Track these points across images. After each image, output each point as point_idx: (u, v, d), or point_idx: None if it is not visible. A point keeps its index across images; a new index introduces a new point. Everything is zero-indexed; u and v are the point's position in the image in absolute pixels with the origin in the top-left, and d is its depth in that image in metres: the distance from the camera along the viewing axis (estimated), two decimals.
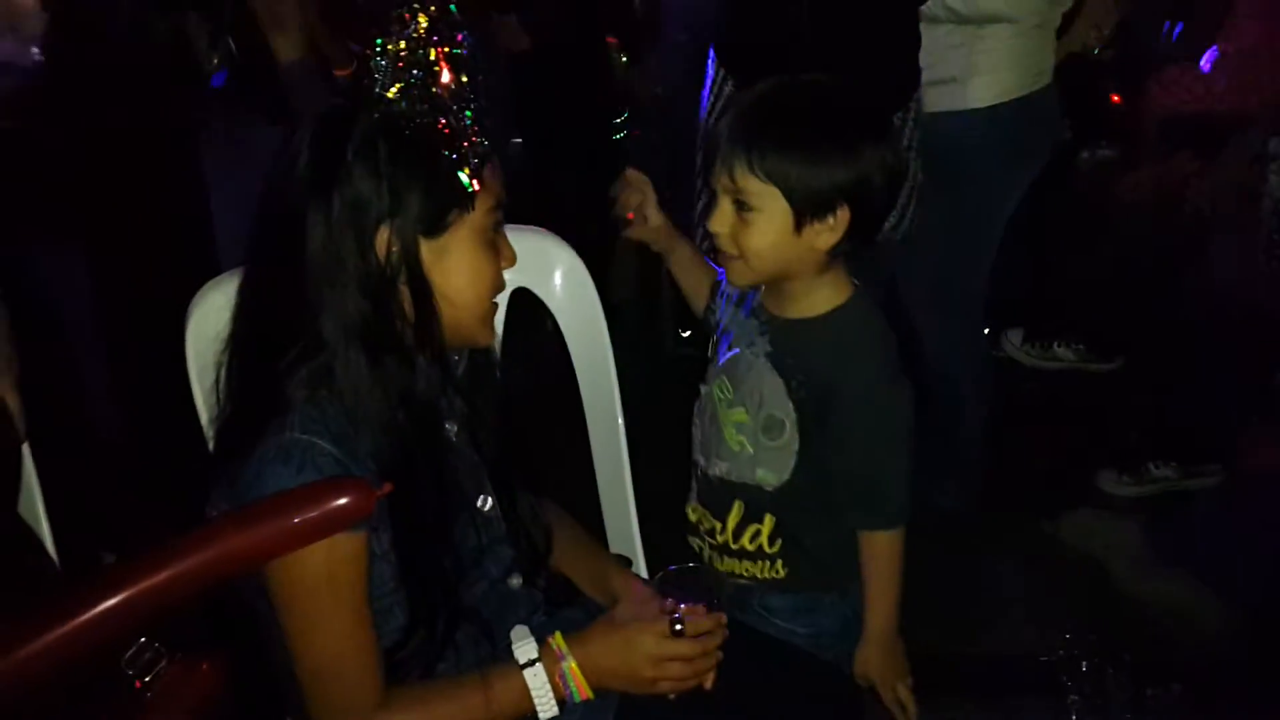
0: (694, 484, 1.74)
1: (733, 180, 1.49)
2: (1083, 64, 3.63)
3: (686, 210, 2.25)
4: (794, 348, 1.57)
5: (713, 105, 2.34)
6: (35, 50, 1.99)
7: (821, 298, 1.57)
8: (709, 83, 2.34)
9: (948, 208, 2.28)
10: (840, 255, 1.55)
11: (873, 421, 1.55)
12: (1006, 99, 2.37)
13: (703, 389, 1.72)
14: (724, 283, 1.71)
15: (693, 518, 1.74)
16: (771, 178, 1.47)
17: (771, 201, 1.48)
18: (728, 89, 2.27)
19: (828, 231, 1.50)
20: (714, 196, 1.55)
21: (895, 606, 1.61)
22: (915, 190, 2.19)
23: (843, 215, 1.49)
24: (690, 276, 1.79)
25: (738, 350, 1.64)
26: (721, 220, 1.52)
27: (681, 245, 1.77)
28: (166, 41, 2.04)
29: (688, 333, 3.64)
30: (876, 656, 1.61)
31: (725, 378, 1.65)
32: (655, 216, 1.72)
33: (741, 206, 1.50)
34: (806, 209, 1.48)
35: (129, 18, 1.98)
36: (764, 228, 1.49)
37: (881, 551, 1.59)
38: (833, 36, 2.00)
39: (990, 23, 2.33)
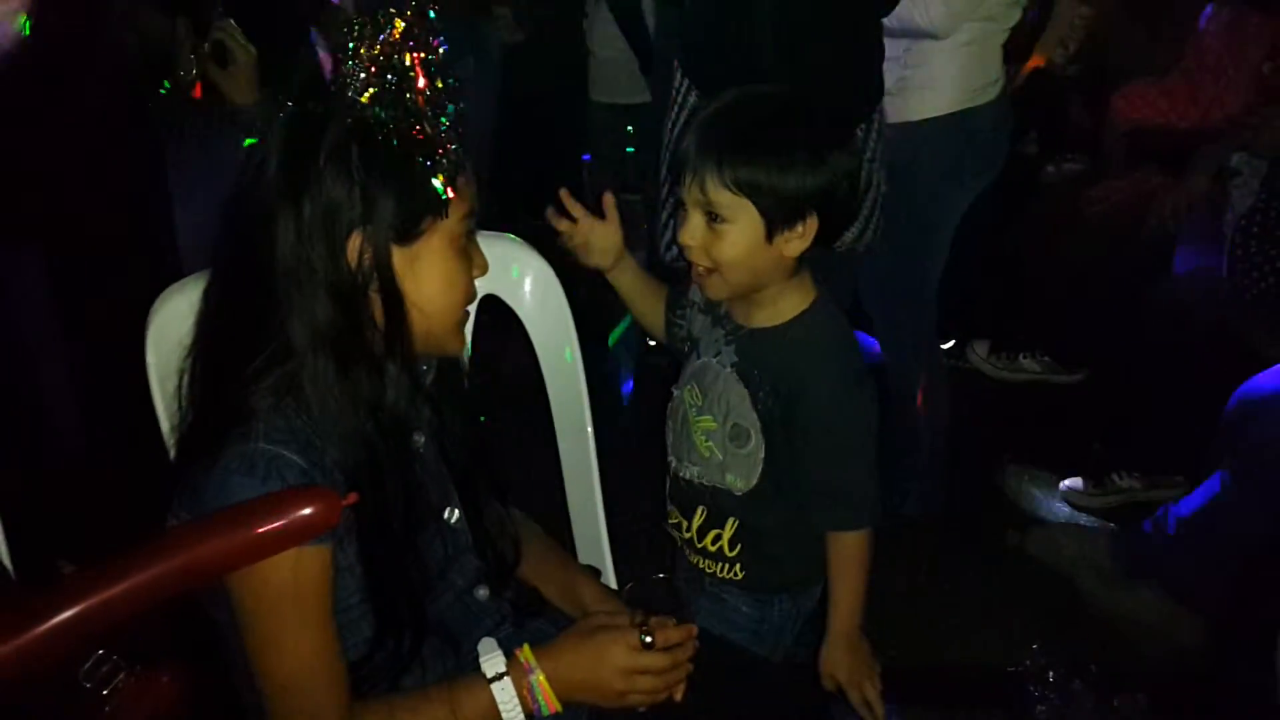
0: (668, 481, 1.77)
1: (703, 193, 1.50)
2: (1049, 78, 3.67)
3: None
4: (759, 357, 1.59)
5: (675, 115, 2.34)
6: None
7: (787, 305, 1.59)
8: (672, 91, 2.34)
9: (893, 216, 2.29)
10: (805, 262, 1.57)
11: (839, 423, 1.56)
12: (939, 114, 2.40)
13: (675, 392, 1.74)
14: (691, 292, 1.72)
15: (668, 509, 1.78)
16: (742, 188, 1.48)
17: (742, 212, 1.49)
18: (691, 99, 2.26)
19: (797, 239, 1.52)
20: (682, 209, 1.55)
21: (860, 606, 1.62)
22: (879, 201, 2.20)
23: (811, 222, 1.51)
24: (638, 289, 1.78)
25: (706, 358, 1.66)
26: (692, 233, 1.53)
27: (625, 257, 1.74)
28: (154, 41, 2.01)
29: (655, 343, 3.64)
30: (843, 656, 1.61)
31: (695, 384, 1.68)
32: (607, 233, 1.68)
33: (713, 218, 1.51)
34: (777, 218, 1.50)
35: (123, 12, 1.95)
36: (735, 239, 1.51)
37: (850, 552, 1.60)
38: (796, 46, 2.00)
39: (921, 38, 2.35)
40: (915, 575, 2.59)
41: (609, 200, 1.69)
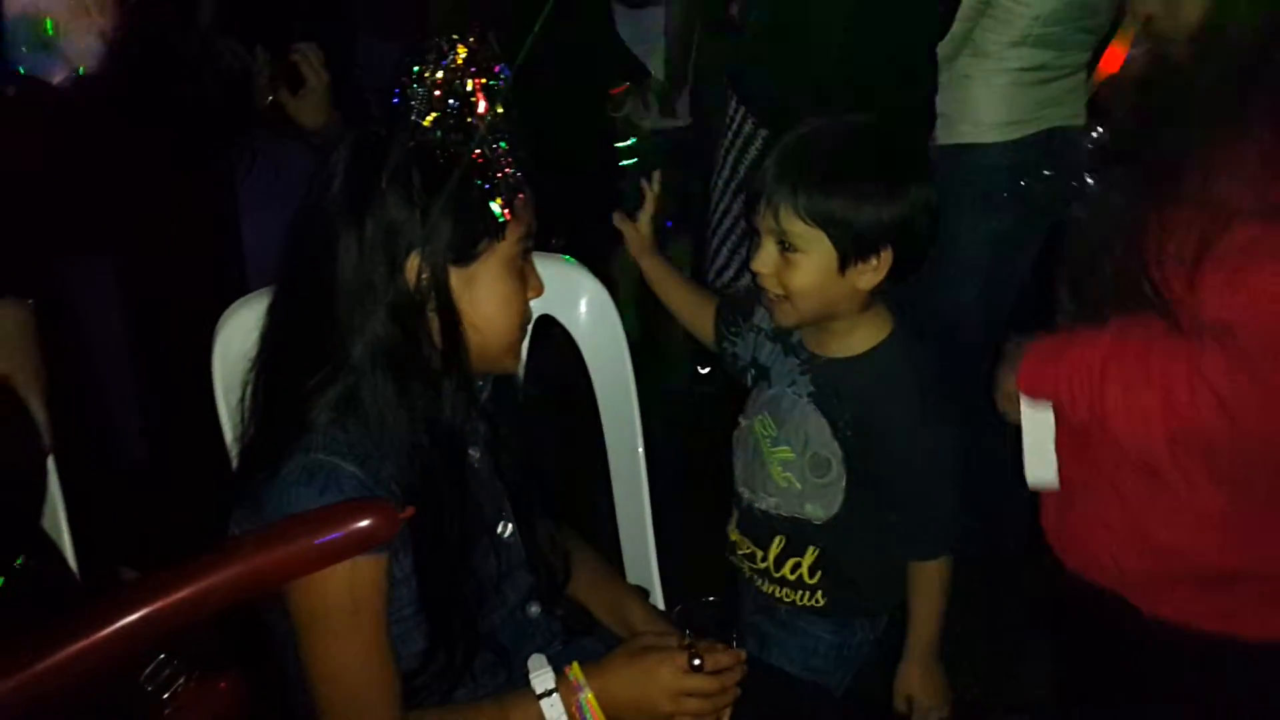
0: (735, 511, 1.76)
1: (777, 222, 1.50)
2: None
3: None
4: (836, 387, 1.58)
5: (730, 141, 2.34)
6: (63, 66, 2.03)
7: (862, 336, 1.58)
8: (726, 119, 2.34)
9: None
10: (881, 294, 1.56)
11: (919, 457, 1.55)
12: (962, 141, 2.37)
13: (743, 421, 1.72)
14: (755, 315, 1.72)
15: (733, 537, 1.76)
16: (816, 220, 1.48)
17: (816, 243, 1.49)
18: (747, 126, 2.26)
19: (871, 272, 1.51)
20: (756, 236, 1.55)
21: (939, 630, 1.62)
22: None
23: (886, 256, 1.50)
24: (680, 296, 1.80)
25: (779, 389, 1.65)
26: (765, 261, 1.53)
27: (657, 256, 1.78)
28: (232, 68, 2.07)
29: (707, 369, 3.64)
30: (918, 675, 1.62)
31: (768, 415, 1.66)
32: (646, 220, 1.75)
33: (785, 247, 1.51)
34: (851, 250, 1.49)
35: (204, 37, 2.01)
36: (808, 268, 1.50)
37: (930, 580, 1.61)
38: (860, 74, 2.01)
39: (950, 63, 2.32)
40: (967, 610, 2.55)
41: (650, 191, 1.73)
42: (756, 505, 1.69)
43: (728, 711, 1.35)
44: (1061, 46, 2.35)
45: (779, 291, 1.53)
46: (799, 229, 1.48)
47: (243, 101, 2.08)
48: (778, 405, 1.64)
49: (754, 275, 1.57)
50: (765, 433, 1.66)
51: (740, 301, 1.76)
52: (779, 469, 1.64)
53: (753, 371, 1.73)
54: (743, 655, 1.37)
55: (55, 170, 1.78)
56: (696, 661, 1.32)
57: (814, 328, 1.60)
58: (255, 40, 2.11)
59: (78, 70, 1.92)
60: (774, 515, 1.67)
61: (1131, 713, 1.50)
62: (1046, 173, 2.38)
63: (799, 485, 1.62)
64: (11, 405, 1.40)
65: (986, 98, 2.37)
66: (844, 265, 1.49)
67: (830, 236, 1.48)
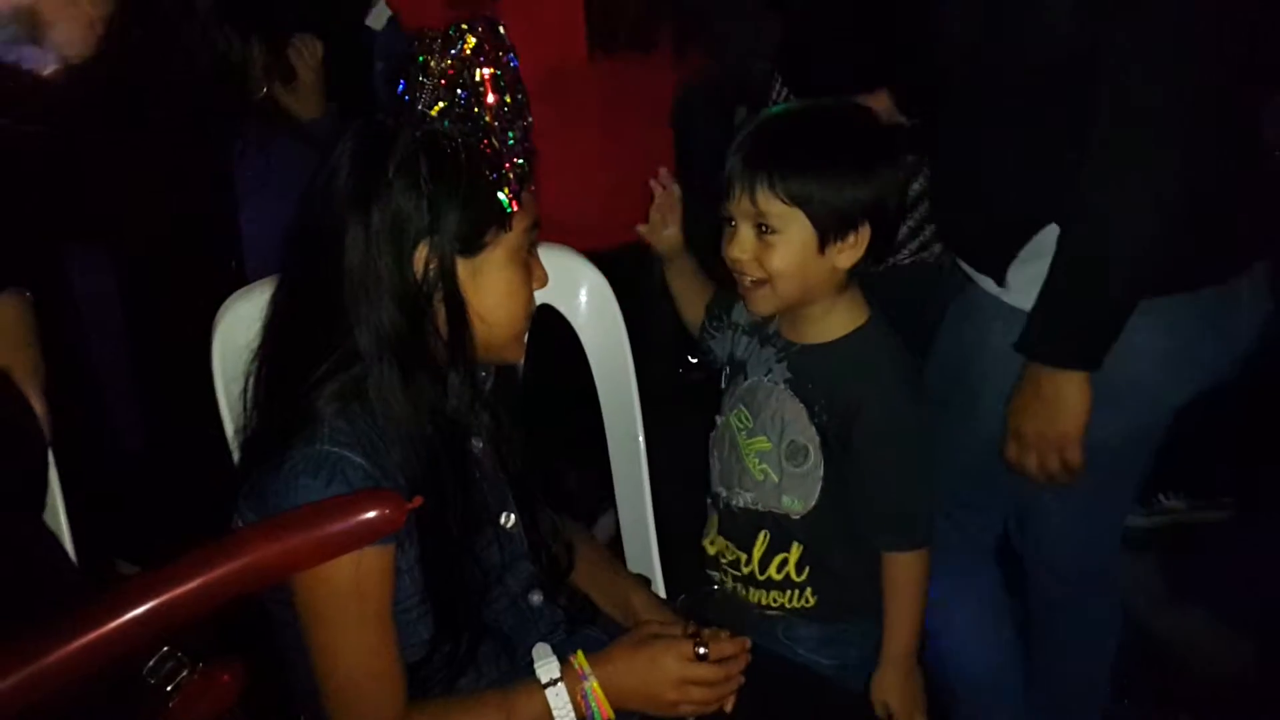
0: (714, 516, 1.74)
1: (754, 204, 1.50)
2: None
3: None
4: (814, 373, 1.58)
5: None
6: (54, 57, 2.01)
7: (839, 321, 1.58)
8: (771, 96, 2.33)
9: None
10: (856, 276, 1.57)
11: (896, 442, 1.55)
12: None
13: (719, 420, 1.72)
14: (733, 313, 1.72)
15: (712, 550, 1.73)
16: (794, 199, 1.48)
17: (795, 222, 1.49)
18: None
19: (850, 250, 1.52)
20: (729, 224, 1.55)
21: (916, 631, 1.60)
22: None
23: (864, 233, 1.51)
24: (689, 287, 1.80)
25: (755, 378, 1.64)
26: (743, 245, 1.53)
27: (685, 257, 1.79)
28: (229, 57, 2.05)
29: (695, 359, 3.63)
30: (895, 681, 1.60)
31: (743, 406, 1.65)
32: (675, 230, 1.75)
33: (763, 230, 1.51)
34: (830, 228, 1.49)
35: (203, 27, 2.00)
36: (788, 249, 1.50)
37: (904, 574, 1.59)
38: (905, 49, 2.00)
39: None
40: None
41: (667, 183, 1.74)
42: (734, 503, 1.67)
43: (732, 699, 1.36)
44: None
45: (759, 275, 1.53)
46: (778, 209, 1.49)
47: (237, 91, 2.07)
48: (753, 395, 1.64)
49: (730, 264, 1.56)
50: (741, 425, 1.65)
51: (723, 298, 1.76)
52: (755, 461, 1.63)
53: (728, 369, 1.73)
54: (747, 643, 1.38)
55: (52, 160, 1.77)
56: (701, 650, 1.32)
57: (790, 315, 1.60)
58: (251, 30, 2.10)
59: (69, 60, 1.91)
60: (753, 511, 1.65)
61: None
62: None
63: (775, 477, 1.61)
64: (10, 397, 1.40)
65: None
66: (824, 244, 1.50)
67: (809, 215, 1.48)
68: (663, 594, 1.73)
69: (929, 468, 1.58)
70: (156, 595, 1.06)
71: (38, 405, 1.43)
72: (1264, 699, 2.27)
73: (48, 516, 1.46)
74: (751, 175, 1.49)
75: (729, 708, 1.36)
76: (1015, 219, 1.51)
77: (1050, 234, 1.46)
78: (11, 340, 1.45)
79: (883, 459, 1.55)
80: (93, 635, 1.03)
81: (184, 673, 1.23)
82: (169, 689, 1.22)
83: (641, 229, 1.77)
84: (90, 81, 1.83)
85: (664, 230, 1.76)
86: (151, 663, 1.23)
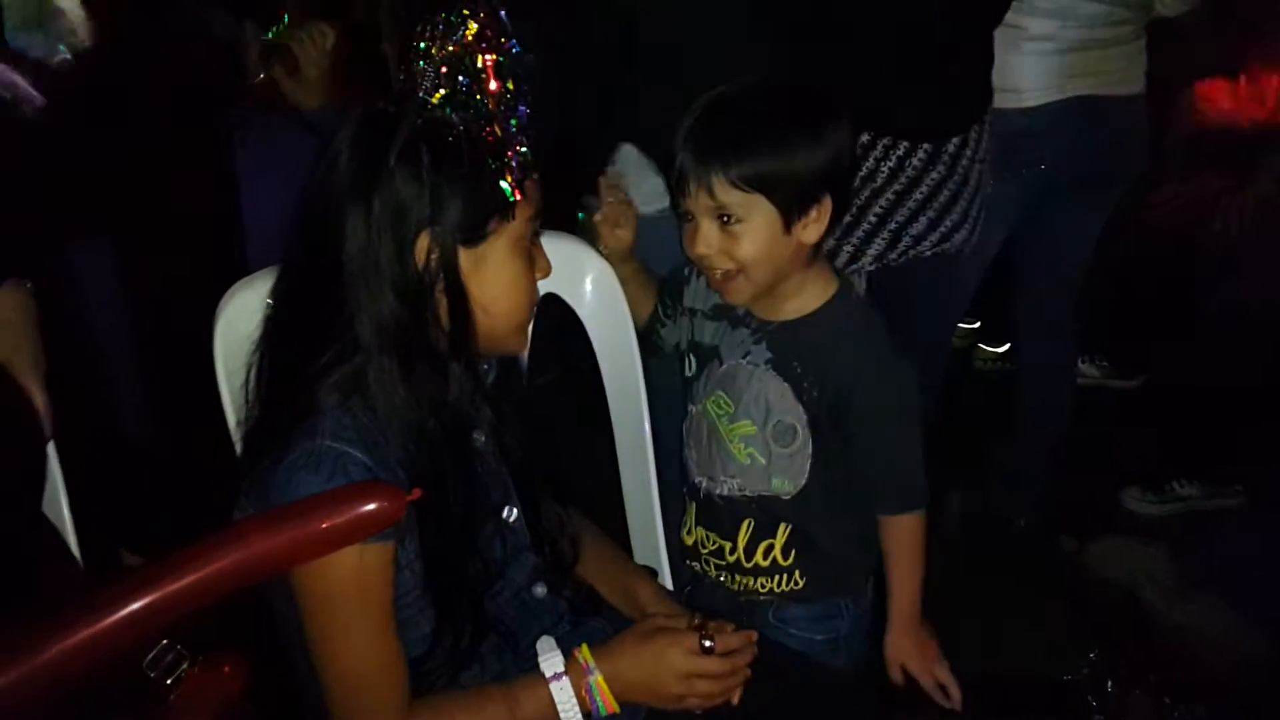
0: (692, 506, 1.72)
1: (712, 197, 1.46)
2: None
3: None
4: (795, 348, 1.56)
5: None
6: (63, 48, 2.00)
7: (812, 293, 1.57)
8: None
9: None
10: (821, 248, 1.55)
11: (890, 404, 1.55)
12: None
13: (692, 409, 1.68)
14: (685, 297, 1.69)
15: (690, 541, 1.72)
16: (753, 184, 1.45)
17: (756, 208, 1.46)
18: None
19: (814, 224, 1.50)
20: (690, 220, 1.52)
21: (919, 589, 1.61)
22: (984, 200, 2.16)
23: (826, 204, 1.49)
24: (640, 284, 1.75)
25: (732, 363, 1.61)
26: (708, 240, 1.49)
27: (633, 258, 1.74)
28: (222, 42, 2.04)
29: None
30: (907, 641, 1.61)
31: (722, 392, 1.62)
32: (626, 233, 1.70)
33: (726, 220, 1.48)
34: (792, 206, 1.47)
35: (193, 13, 1.98)
36: (754, 236, 1.48)
37: (907, 536, 1.59)
38: (926, 57, 1.98)
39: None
40: (972, 583, 2.56)
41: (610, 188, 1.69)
42: (717, 493, 1.65)
43: (738, 692, 1.35)
44: (1064, 17, 2.34)
45: (728, 267, 1.50)
46: (737, 198, 1.46)
47: (232, 75, 2.05)
48: (732, 380, 1.61)
49: (696, 260, 1.53)
50: (721, 411, 1.62)
51: (671, 284, 1.73)
52: (740, 446, 1.61)
53: (691, 356, 1.68)
54: (753, 636, 1.37)
55: (52, 151, 1.76)
56: (707, 643, 1.31)
57: (763, 296, 1.57)
58: (245, 13, 2.08)
59: (70, 49, 1.90)
60: (737, 499, 1.63)
61: None
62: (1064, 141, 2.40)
63: (763, 460, 1.59)
64: (10, 390, 1.39)
65: (1005, 66, 2.36)
66: (788, 223, 1.47)
67: (769, 197, 1.46)
68: (670, 585, 1.72)
69: (918, 431, 1.58)
70: (155, 589, 1.05)
71: (38, 397, 1.42)
72: (1277, 687, 2.25)
73: (50, 508, 1.45)
74: (705, 168, 1.46)
75: (735, 700, 1.35)
76: None
77: None
78: (11, 332, 1.44)
79: (879, 421, 1.54)
80: (90, 629, 1.02)
81: (184, 665, 1.22)
82: (169, 682, 1.22)
83: (597, 218, 1.71)
84: (86, 72, 1.82)
85: (615, 232, 1.70)
86: (152, 655, 1.22)
